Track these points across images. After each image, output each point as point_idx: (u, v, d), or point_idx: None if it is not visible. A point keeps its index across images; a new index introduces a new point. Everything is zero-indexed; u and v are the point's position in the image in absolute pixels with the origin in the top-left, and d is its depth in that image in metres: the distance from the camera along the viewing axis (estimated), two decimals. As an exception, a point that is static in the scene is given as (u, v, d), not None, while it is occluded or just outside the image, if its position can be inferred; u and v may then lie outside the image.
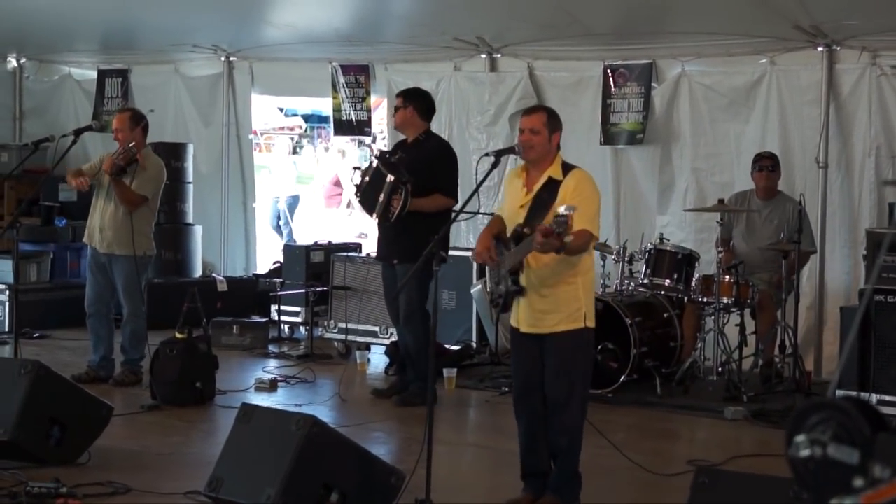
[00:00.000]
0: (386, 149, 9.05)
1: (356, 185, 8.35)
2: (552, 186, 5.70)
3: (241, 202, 12.66)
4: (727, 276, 8.59)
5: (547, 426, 5.79)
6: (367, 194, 8.18)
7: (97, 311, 8.76)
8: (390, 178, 7.97)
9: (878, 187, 9.11)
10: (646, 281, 8.88)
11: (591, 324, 5.77)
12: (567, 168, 5.79)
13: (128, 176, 8.42)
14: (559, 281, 5.66)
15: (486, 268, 6.14)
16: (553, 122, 5.84)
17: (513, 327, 5.89)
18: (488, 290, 6.09)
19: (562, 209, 5.17)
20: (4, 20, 11.74)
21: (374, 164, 8.21)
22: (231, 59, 12.24)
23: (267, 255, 12.74)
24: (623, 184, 10.28)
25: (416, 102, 8.38)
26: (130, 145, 8.41)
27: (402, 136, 8.63)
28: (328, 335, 10.34)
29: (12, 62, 13.51)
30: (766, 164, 8.97)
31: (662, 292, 8.92)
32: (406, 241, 7.91)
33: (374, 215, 8.18)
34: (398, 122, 8.47)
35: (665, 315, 8.89)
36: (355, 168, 8.57)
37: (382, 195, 8.00)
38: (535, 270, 5.66)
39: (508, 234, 5.80)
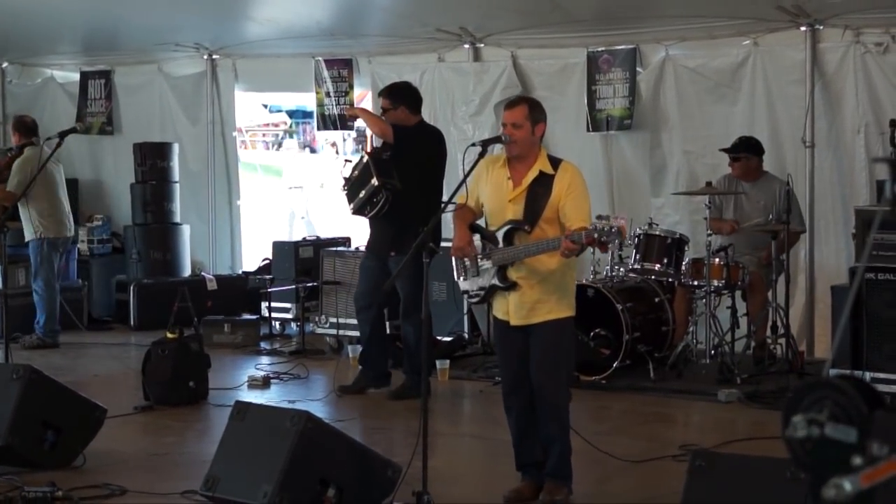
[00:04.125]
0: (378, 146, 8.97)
1: (345, 178, 8.33)
2: (545, 181, 5.65)
3: (226, 200, 12.63)
4: (717, 259, 8.59)
5: (536, 416, 5.78)
6: (353, 189, 8.22)
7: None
8: (375, 181, 7.97)
9: (869, 165, 9.08)
10: (636, 266, 8.87)
11: (573, 312, 5.83)
12: (554, 161, 5.74)
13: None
14: (552, 271, 5.66)
15: (455, 260, 6.01)
16: (535, 113, 5.74)
17: (500, 320, 5.85)
18: (464, 286, 5.99)
19: (601, 223, 5.35)
20: (-15, 25, 11.69)
21: (365, 161, 8.18)
22: (214, 56, 12.19)
23: (254, 253, 12.70)
24: (615, 169, 10.26)
25: (406, 101, 8.28)
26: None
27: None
28: (319, 330, 10.31)
29: (-6, 67, 13.46)
30: (732, 156, 9.00)
31: (653, 277, 8.92)
32: (406, 235, 7.71)
33: (352, 210, 8.28)
34: (392, 124, 8.21)
35: (656, 300, 8.88)
36: (347, 161, 8.51)
37: (363, 193, 8.06)
38: (530, 264, 5.65)
39: (494, 228, 5.77)
